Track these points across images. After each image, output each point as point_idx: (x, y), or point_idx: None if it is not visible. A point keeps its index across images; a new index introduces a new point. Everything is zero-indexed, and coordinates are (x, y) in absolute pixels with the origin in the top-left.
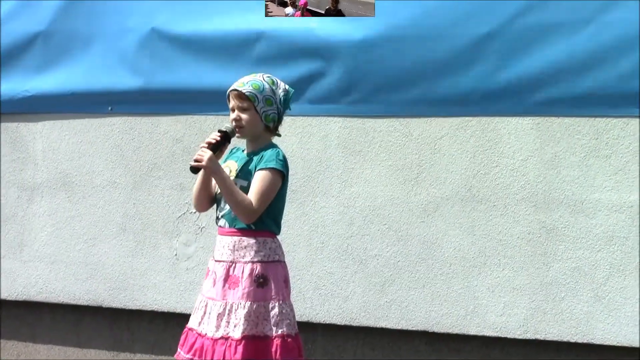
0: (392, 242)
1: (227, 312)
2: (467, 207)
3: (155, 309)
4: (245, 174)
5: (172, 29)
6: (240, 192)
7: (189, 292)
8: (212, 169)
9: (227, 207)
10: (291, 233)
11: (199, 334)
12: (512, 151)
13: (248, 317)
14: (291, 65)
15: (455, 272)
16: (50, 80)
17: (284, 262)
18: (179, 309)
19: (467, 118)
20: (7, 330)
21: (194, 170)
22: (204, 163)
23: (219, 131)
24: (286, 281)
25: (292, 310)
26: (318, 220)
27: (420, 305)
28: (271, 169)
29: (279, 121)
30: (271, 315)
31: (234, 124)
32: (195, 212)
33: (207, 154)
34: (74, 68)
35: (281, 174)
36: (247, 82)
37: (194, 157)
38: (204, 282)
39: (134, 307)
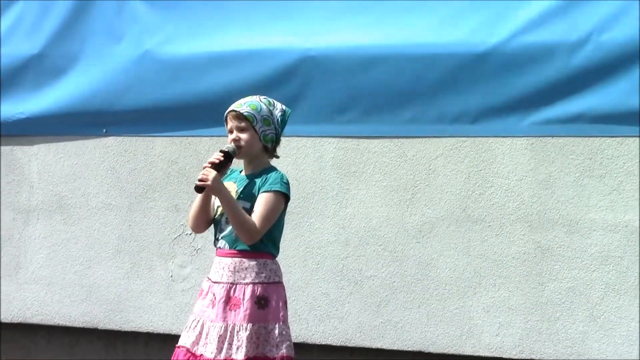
0: (387, 263)
1: (228, 333)
2: (462, 228)
3: (151, 331)
4: (247, 195)
5: (165, 51)
6: (245, 213)
7: (184, 314)
8: (217, 189)
9: (228, 228)
10: (287, 254)
11: (193, 354)
12: (507, 171)
13: (250, 339)
14: (285, 85)
15: (450, 293)
16: (45, 103)
17: (283, 283)
18: (175, 330)
19: (461, 138)
20: (3, 352)
21: (199, 189)
22: (209, 182)
23: (221, 151)
24: (285, 303)
25: (289, 332)
26: (313, 241)
27: (415, 326)
28: (276, 192)
29: (277, 142)
30: (272, 336)
31: (233, 144)
32: (190, 234)
33: (212, 173)
34: (69, 90)
35: (285, 197)
36: (245, 102)
37: (199, 177)
38: (197, 301)
39: (129, 329)
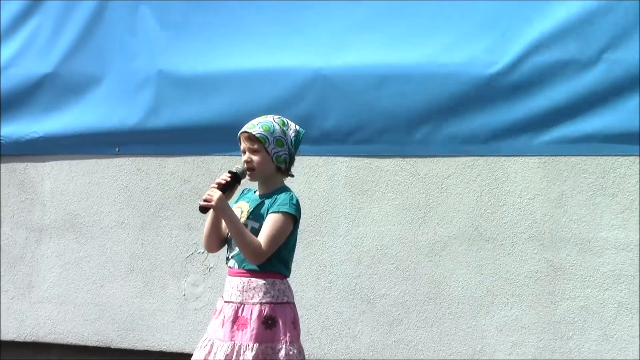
0: (399, 282)
1: (234, 353)
2: (475, 246)
3: (164, 350)
4: (257, 215)
5: (179, 70)
6: (250, 233)
7: (197, 333)
8: (220, 209)
9: (237, 248)
10: (299, 273)
11: None
12: (519, 190)
13: (256, 359)
14: (298, 104)
15: (463, 311)
16: (58, 122)
17: (293, 303)
18: (187, 349)
19: (473, 157)
20: None
21: (203, 210)
22: (213, 203)
23: (229, 172)
24: (294, 323)
25: (301, 352)
26: (326, 259)
27: (428, 345)
28: (284, 213)
29: (290, 162)
30: (279, 357)
31: (245, 165)
32: (203, 252)
33: (216, 194)
34: (82, 109)
35: (293, 218)
36: (257, 123)
37: (203, 197)
38: (211, 321)
39: (142, 348)
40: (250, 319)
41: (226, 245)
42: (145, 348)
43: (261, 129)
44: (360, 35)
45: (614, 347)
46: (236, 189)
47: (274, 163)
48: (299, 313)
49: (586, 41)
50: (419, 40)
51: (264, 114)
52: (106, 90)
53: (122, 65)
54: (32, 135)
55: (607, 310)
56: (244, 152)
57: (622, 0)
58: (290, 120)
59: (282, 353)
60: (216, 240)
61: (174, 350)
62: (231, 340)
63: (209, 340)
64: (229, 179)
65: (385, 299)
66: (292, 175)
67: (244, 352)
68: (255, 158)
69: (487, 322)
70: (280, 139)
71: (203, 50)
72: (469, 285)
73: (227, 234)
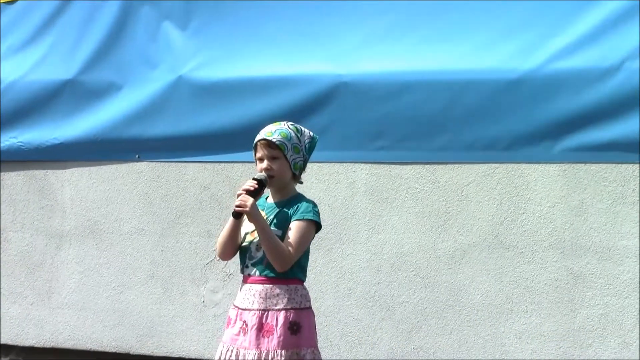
0: (419, 289)
1: None
2: (495, 254)
3: (183, 356)
4: (279, 223)
5: (199, 77)
6: (279, 240)
7: (216, 339)
8: (253, 215)
9: (259, 255)
10: (319, 280)
11: None
12: (539, 198)
13: None
14: (318, 111)
15: (482, 319)
16: (79, 128)
17: (312, 308)
18: (207, 355)
19: (494, 165)
20: None
21: (237, 215)
22: (247, 208)
23: (254, 179)
24: (315, 328)
25: (319, 357)
26: (345, 267)
27: (447, 352)
28: (308, 221)
29: (303, 168)
30: None
31: (264, 173)
32: None
33: (249, 199)
34: (102, 116)
35: (317, 225)
36: (275, 130)
37: (237, 203)
38: (226, 330)
39: (161, 354)
40: (277, 326)
41: (239, 253)
42: (164, 354)
43: (280, 136)
44: (380, 43)
45: (634, 355)
46: (261, 195)
47: (292, 170)
48: (318, 320)
49: (608, 49)
50: (439, 48)
51: (281, 121)
52: (126, 97)
53: (142, 72)
54: (52, 141)
55: (626, 318)
56: (261, 160)
57: None
58: (305, 127)
59: (308, 357)
60: (232, 249)
61: (193, 357)
62: (257, 348)
63: (231, 350)
64: (256, 186)
65: (405, 306)
66: (301, 182)
67: (271, 358)
68: (274, 166)
69: (507, 329)
70: (296, 145)
71: (224, 58)
72: (488, 293)
73: (242, 242)
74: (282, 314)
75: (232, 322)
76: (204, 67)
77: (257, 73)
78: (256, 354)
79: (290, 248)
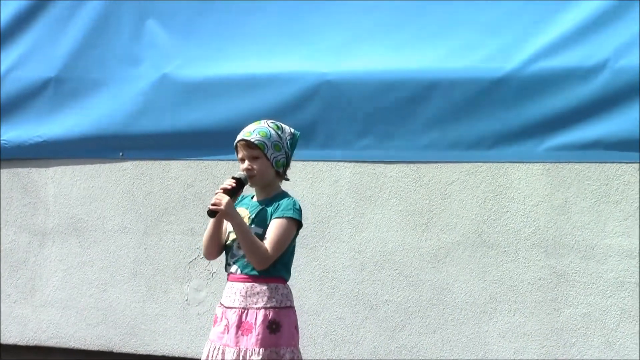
0: (402, 288)
1: (241, 358)
2: (478, 253)
3: (167, 354)
4: (260, 221)
5: (183, 75)
6: (256, 238)
7: (200, 338)
8: (229, 214)
9: (240, 253)
10: (302, 278)
11: None
12: (523, 197)
13: None
14: (302, 109)
15: (465, 318)
16: (62, 126)
17: (294, 308)
18: (190, 354)
19: (477, 163)
20: None
21: (212, 214)
22: (222, 207)
23: (233, 178)
24: (296, 327)
25: (300, 357)
26: (329, 265)
27: (431, 351)
28: (288, 218)
29: (287, 165)
30: None
31: (246, 173)
32: None
33: (225, 198)
34: (85, 113)
35: (297, 223)
36: (254, 130)
37: (212, 202)
38: (213, 328)
39: (144, 353)
40: (255, 324)
41: (225, 251)
42: (148, 353)
43: (259, 136)
44: (364, 41)
45: (617, 354)
46: (240, 194)
47: (274, 168)
48: (301, 319)
49: (591, 48)
50: (423, 47)
51: (262, 120)
52: (110, 95)
53: (126, 70)
54: (35, 139)
55: (609, 317)
56: (243, 160)
57: (628, 10)
58: (287, 125)
59: (287, 357)
60: (216, 247)
61: (177, 355)
62: (236, 346)
63: (218, 348)
64: (234, 185)
65: (388, 304)
66: (287, 179)
67: (250, 357)
68: (256, 165)
69: (490, 328)
70: (277, 143)
71: (208, 55)
72: (471, 292)
73: (227, 241)
74: (261, 313)
75: (219, 320)
76: (188, 65)
77: (242, 71)
78: (235, 352)
79: (269, 246)
